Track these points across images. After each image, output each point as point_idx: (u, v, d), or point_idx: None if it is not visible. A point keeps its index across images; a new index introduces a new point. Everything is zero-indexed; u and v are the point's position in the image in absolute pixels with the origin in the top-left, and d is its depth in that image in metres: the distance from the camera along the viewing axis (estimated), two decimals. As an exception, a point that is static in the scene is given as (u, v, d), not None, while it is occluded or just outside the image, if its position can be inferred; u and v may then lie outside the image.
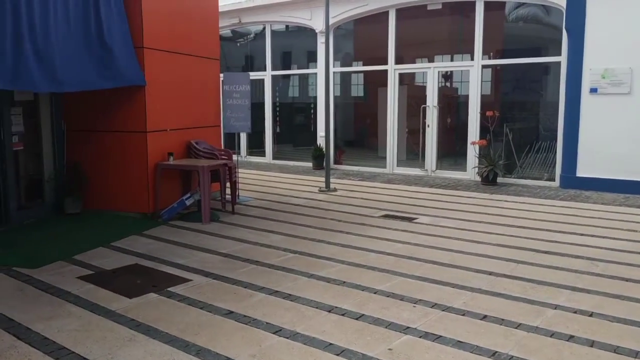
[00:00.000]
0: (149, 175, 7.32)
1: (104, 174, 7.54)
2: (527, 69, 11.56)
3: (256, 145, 14.98)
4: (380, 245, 6.21)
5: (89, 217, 7.34)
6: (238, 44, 15.70)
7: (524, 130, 11.57)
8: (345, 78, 15.92)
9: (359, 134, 15.94)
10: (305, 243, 6.33)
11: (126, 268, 5.33)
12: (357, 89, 16.37)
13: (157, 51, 7.42)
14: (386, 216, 7.88)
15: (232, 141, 15.23)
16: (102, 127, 7.47)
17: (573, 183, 9.92)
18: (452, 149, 12.88)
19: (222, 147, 9.19)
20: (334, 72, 13.18)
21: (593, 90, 9.59)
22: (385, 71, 12.34)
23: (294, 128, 15.64)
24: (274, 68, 14.39)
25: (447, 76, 13.78)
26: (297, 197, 9.33)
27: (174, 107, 7.85)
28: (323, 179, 10.57)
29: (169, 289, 4.73)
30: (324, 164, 10.21)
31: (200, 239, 6.49)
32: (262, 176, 11.92)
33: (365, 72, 15.21)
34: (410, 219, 7.65)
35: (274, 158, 14.43)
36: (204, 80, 8.71)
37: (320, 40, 13.07)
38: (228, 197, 8.24)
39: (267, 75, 14.33)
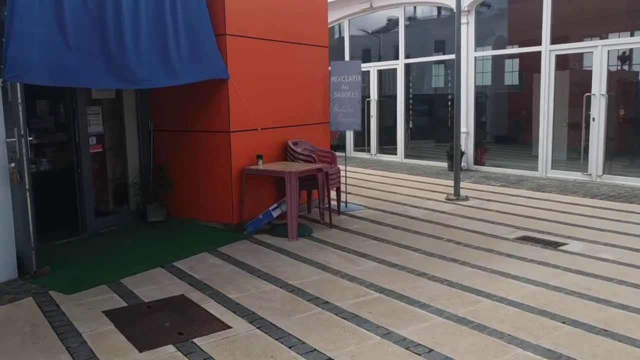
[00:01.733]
0: (232, 181, 6.37)
1: (187, 178, 6.76)
2: None
3: (388, 142, 13.57)
4: (502, 287, 4.53)
5: (168, 228, 6.62)
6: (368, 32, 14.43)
7: None
8: (497, 65, 13.85)
9: (513, 128, 13.71)
10: (401, 276, 4.87)
11: (167, 301, 4.36)
12: (512, 77, 14.12)
13: (245, 38, 6.42)
14: (524, 239, 6.06)
15: (361, 138, 14.07)
16: (186, 126, 6.68)
17: None
18: (626, 148, 10.29)
19: (329, 148, 8.00)
20: (475, 58, 11.27)
21: None
22: (540, 54, 10.15)
23: (430, 123, 13.91)
24: (407, 56, 12.84)
25: (625, 57, 11.12)
26: (416, 207, 7.80)
27: (267, 103, 6.82)
28: (461, 183, 8.88)
29: (195, 339, 3.63)
30: (459, 165, 8.50)
31: (276, 262, 5.35)
32: (386, 178, 10.51)
33: (521, 57, 12.92)
34: (556, 245, 5.76)
35: (406, 157, 12.90)
36: (309, 71, 7.56)
37: (462, 21, 11.21)
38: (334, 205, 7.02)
39: (399, 64, 12.83)
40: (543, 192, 8.76)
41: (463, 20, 11.03)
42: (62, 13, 4.75)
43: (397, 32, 12.85)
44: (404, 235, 6.32)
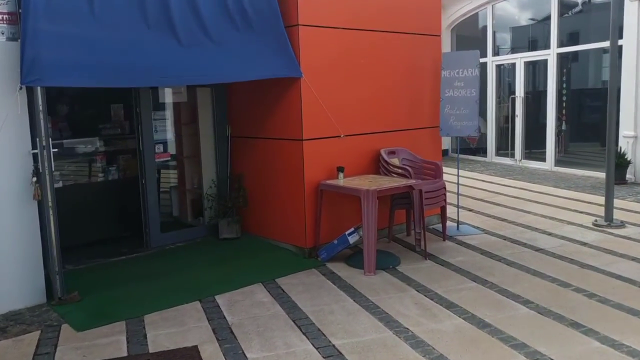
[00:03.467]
0: (306, 197, 5.39)
1: (262, 191, 5.94)
2: None
3: (536, 146, 11.56)
4: (640, 387, 2.96)
5: (237, 247, 5.86)
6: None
7: None
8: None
9: None
10: (488, 347, 3.49)
11: (172, 354, 3.53)
12: None
13: (323, 29, 5.39)
14: (696, 296, 4.23)
15: (505, 141, 12.19)
16: (260, 132, 5.85)
17: None
18: None
19: (440, 157, 6.63)
20: (649, 43, 8.93)
21: None
22: None
23: (587, 124, 11.55)
24: (560, 45, 10.73)
25: None
26: (549, 235, 6.14)
27: (355, 105, 5.74)
28: (615, 201, 6.98)
29: None
30: (611, 179, 6.59)
31: (334, 305, 4.26)
32: (523, 192, 8.75)
33: None
34: None
35: (557, 164, 10.82)
36: (412, 66, 6.32)
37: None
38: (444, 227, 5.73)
39: (550, 55, 10.78)
40: None
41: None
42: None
43: (567, 17, 10.80)
44: (518, 276, 4.81)
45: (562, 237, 6.01)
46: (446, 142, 13.87)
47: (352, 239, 5.19)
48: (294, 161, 5.41)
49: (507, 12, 12.71)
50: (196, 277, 4.96)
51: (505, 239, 6.02)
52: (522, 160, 11.64)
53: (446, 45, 13.46)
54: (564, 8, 11.01)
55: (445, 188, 5.98)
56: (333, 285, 4.71)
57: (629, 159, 8.99)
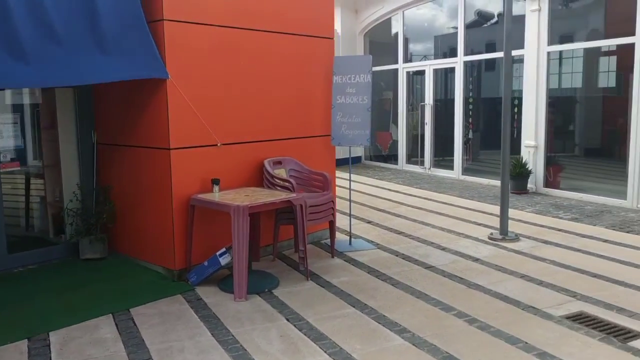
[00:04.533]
0: (174, 212, 4.81)
1: (130, 206, 5.30)
2: None
3: (445, 154, 11.48)
4: None
5: (97, 269, 5.17)
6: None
7: None
8: (589, 63, 11.46)
9: (607, 140, 11.16)
10: (348, 391, 3.06)
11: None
12: (608, 78, 11.57)
13: (194, 25, 4.83)
14: (578, 318, 4.01)
15: (417, 149, 12.05)
16: (129, 139, 5.20)
17: None
18: None
19: (334, 167, 6.22)
20: (549, 54, 8.98)
21: None
22: (633, 46, 7.78)
23: (496, 132, 11.61)
24: (467, 52, 10.72)
25: None
26: (443, 250, 5.86)
27: (235, 110, 5.22)
28: (514, 211, 6.85)
29: None
30: (506, 192, 6.41)
31: (186, 342, 3.70)
32: (427, 202, 8.53)
33: (618, 55, 10.40)
34: (625, 335, 3.68)
35: (465, 172, 10.77)
36: (302, 70, 5.87)
37: (531, 7, 9.00)
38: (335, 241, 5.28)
39: (458, 63, 10.74)
40: (628, 232, 6.45)
41: (533, 6, 8.81)
42: None
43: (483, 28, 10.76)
44: (401, 299, 4.45)
45: (456, 252, 5.75)
46: (359, 149, 13.64)
47: (223, 261, 4.66)
48: (161, 172, 4.82)
49: (425, 19, 12.62)
50: (35, 309, 4.25)
51: (397, 255, 5.69)
52: (432, 169, 11.54)
53: (359, 50, 13.24)
54: (482, 19, 11.02)
55: (334, 201, 5.56)
56: (195, 315, 4.15)
57: (530, 169, 9.00)
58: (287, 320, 4.03)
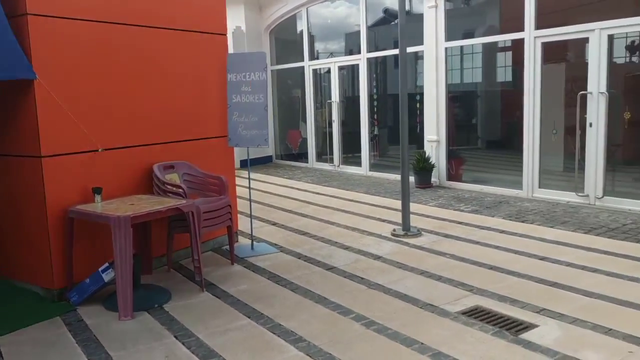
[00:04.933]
0: (50, 227, 4.37)
1: (0, 220, 4.79)
2: None
3: (353, 151, 11.51)
4: None
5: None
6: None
7: None
8: (488, 58, 11.86)
9: (506, 133, 11.60)
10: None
11: None
12: (505, 72, 12.04)
13: (64, 20, 4.41)
14: (473, 312, 4.01)
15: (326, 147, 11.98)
16: (-5, 148, 4.70)
17: None
18: (636, 159, 8.18)
19: (233, 169, 5.96)
20: (446, 50, 9.17)
21: None
22: (523, 42, 8.07)
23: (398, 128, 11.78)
24: (370, 49, 10.78)
25: (635, 47, 9.07)
26: (346, 249, 5.77)
27: (119, 112, 4.84)
28: (418, 206, 6.89)
29: None
30: (406, 188, 6.43)
31: (60, 370, 3.35)
32: (333, 200, 8.46)
33: (513, 50, 10.81)
34: (518, 328, 3.71)
35: (372, 169, 10.84)
36: (194, 68, 5.57)
37: (428, 4, 9.15)
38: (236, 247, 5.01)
39: (361, 60, 10.78)
40: (523, 221, 6.66)
41: (430, 2, 8.96)
42: None
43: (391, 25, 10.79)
44: (299, 305, 4.28)
45: (359, 251, 5.67)
46: (270, 148, 13.43)
47: (107, 277, 4.29)
48: (33, 183, 4.37)
49: (335, 17, 12.56)
50: None
51: (300, 258, 5.53)
52: (341, 166, 11.54)
53: (265, 47, 13.01)
54: (389, 16, 11.10)
55: (231, 206, 5.31)
56: (72, 339, 3.78)
57: (433, 163, 9.16)
58: (176, 337, 3.75)
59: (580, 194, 7.36)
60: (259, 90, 5.67)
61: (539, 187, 7.91)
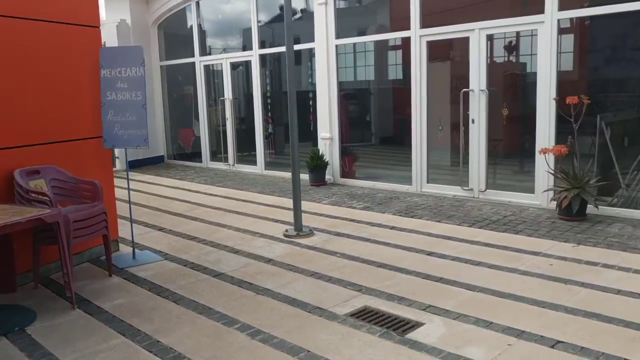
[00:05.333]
0: None
1: None
2: (635, 23, 7.09)
3: (248, 149, 11.25)
4: None
5: None
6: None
7: (632, 125, 7.16)
8: (380, 56, 12.06)
9: (397, 129, 11.85)
10: None
11: None
12: (396, 70, 12.30)
13: None
14: (362, 314, 3.95)
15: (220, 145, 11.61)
16: None
17: None
18: (515, 152, 8.65)
19: (110, 171, 5.52)
20: (337, 47, 9.17)
21: None
22: (409, 40, 8.23)
23: (298, 125, 11.68)
24: (266, 46, 10.58)
25: (512, 47, 9.58)
26: (236, 253, 5.55)
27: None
28: (311, 204, 6.80)
29: None
30: (298, 188, 6.31)
31: None
32: (225, 201, 8.19)
33: (404, 49, 11.02)
34: (404, 327, 3.69)
35: (267, 167, 10.66)
36: (62, 63, 5.07)
37: (318, 1, 9.09)
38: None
39: (253, 56, 10.55)
40: (412, 217, 6.78)
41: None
42: None
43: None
44: (181, 318, 4.01)
45: (249, 255, 5.47)
46: (161, 148, 12.85)
47: (-46, 300, 3.76)
48: None
49: (232, 12, 12.15)
50: None
51: (186, 265, 5.23)
52: (236, 165, 11.24)
53: (153, 42, 12.38)
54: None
55: (107, 213, 4.89)
56: None
57: (327, 161, 9.14)
58: (35, 364, 3.35)
59: (465, 188, 7.64)
60: (136, 87, 5.28)
61: (428, 182, 8.12)
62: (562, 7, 6.59)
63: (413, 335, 3.60)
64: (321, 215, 7.03)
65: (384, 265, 5.01)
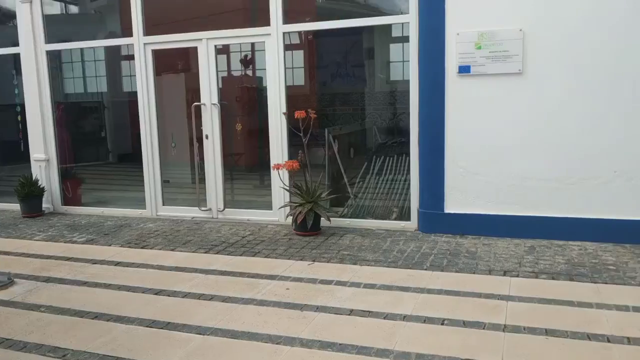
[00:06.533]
0: None
1: None
2: (356, 42, 7.49)
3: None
4: None
5: None
6: None
7: (358, 137, 7.52)
8: (113, 67, 10.93)
9: (136, 144, 10.75)
10: None
11: None
12: (131, 82, 11.20)
13: None
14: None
15: None
16: None
17: (439, 224, 6.01)
18: (255, 166, 8.49)
19: None
20: (48, 52, 7.83)
21: (464, 70, 5.72)
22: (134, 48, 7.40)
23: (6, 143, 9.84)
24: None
25: (247, 60, 9.47)
26: None
27: None
28: (20, 242, 5.49)
29: None
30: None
31: None
32: None
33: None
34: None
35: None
36: None
37: (20, -2, 7.65)
38: None
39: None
40: (143, 247, 5.99)
41: (21, -3, 7.49)
42: None
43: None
44: None
45: None
46: None
47: None
48: None
49: None
50: None
51: None
52: None
53: None
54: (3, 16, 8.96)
55: None
56: None
57: (43, 187, 7.73)
58: None
59: (203, 209, 7.13)
60: None
61: (164, 204, 7.40)
62: (287, 20, 6.53)
63: (124, 411, 2.87)
64: (30, 256, 5.78)
65: (101, 316, 4.15)
